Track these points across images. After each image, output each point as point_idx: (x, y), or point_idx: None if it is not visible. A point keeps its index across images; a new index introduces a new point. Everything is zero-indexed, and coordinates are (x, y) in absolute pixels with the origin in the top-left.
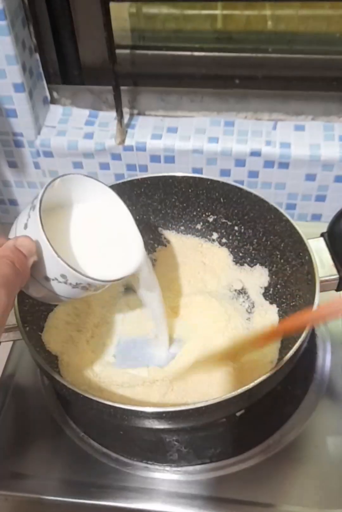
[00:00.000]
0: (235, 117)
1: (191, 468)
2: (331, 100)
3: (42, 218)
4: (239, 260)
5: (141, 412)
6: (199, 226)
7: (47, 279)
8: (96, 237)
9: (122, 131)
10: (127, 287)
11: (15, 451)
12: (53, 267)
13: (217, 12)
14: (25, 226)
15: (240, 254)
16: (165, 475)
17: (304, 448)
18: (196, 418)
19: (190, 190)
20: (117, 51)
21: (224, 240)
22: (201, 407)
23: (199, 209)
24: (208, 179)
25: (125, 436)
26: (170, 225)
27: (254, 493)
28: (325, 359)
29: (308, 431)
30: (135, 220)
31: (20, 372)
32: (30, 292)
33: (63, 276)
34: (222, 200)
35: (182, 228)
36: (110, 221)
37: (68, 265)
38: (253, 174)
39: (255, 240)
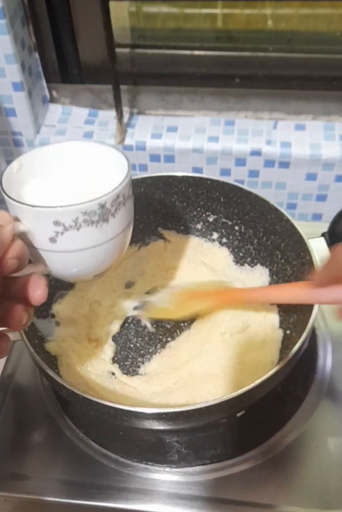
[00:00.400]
0: (235, 117)
1: (191, 469)
2: (331, 99)
3: (16, 195)
4: (239, 260)
5: (141, 413)
6: (199, 226)
7: (52, 240)
8: (81, 179)
9: (122, 130)
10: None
11: (15, 452)
12: (41, 223)
13: (217, 11)
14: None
15: (241, 254)
16: (165, 476)
17: (305, 448)
18: (196, 418)
19: (190, 190)
20: (117, 50)
21: (224, 240)
22: (201, 408)
23: (199, 209)
24: (208, 179)
25: (125, 437)
26: (170, 225)
27: (255, 494)
28: (326, 360)
29: (309, 431)
30: (135, 220)
31: (19, 372)
32: (51, 269)
33: (57, 223)
34: (222, 199)
35: (182, 227)
36: (89, 161)
37: (49, 206)
38: (253, 173)
39: (256, 240)
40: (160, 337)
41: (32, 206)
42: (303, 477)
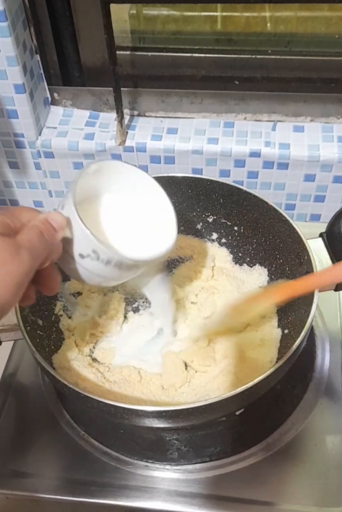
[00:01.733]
0: (234, 118)
1: (190, 466)
2: (330, 101)
3: (78, 202)
4: (238, 260)
5: (142, 411)
6: (199, 226)
7: (81, 256)
8: (130, 221)
9: (123, 132)
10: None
11: (16, 450)
12: (84, 242)
13: (217, 13)
14: (62, 207)
15: (240, 254)
16: (165, 474)
17: (303, 446)
18: (196, 417)
19: (189, 191)
20: (118, 52)
21: (223, 240)
22: (201, 406)
23: (198, 210)
24: (207, 180)
25: (125, 435)
26: None
27: (254, 491)
28: (324, 358)
29: (307, 429)
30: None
31: (21, 371)
32: (70, 271)
33: (94, 251)
34: (221, 200)
35: (182, 228)
36: (145, 205)
37: (98, 240)
38: (252, 174)
39: (255, 240)
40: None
41: (98, 241)
42: (301, 475)
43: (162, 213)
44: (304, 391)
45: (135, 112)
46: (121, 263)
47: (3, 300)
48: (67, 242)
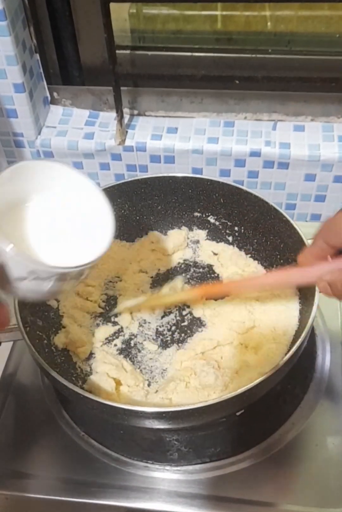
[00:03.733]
0: (234, 118)
1: (190, 467)
2: (330, 101)
3: (1, 217)
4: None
5: (142, 412)
6: (198, 227)
7: (20, 279)
8: (63, 224)
9: (123, 131)
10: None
11: (16, 451)
12: (18, 266)
13: (217, 13)
14: None
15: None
16: (165, 475)
17: (304, 447)
18: (196, 418)
19: (190, 191)
20: (118, 51)
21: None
22: (201, 407)
23: (199, 210)
24: (208, 180)
25: (125, 436)
26: (170, 226)
27: (254, 492)
28: (325, 359)
29: (308, 430)
30: (136, 220)
31: (20, 371)
32: (13, 294)
33: (32, 272)
34: (222, 200)
35: (182, 228)
36: (76, 205)
37: (32, 260)
38: (253, 174)
39: (255, 241)
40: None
41: (21, 256)
42: (302, 475)
43: (95, 208)
44: (304, 392)
45: (135, 112)
46: (63, 275)
47: None
48: (1, 269)
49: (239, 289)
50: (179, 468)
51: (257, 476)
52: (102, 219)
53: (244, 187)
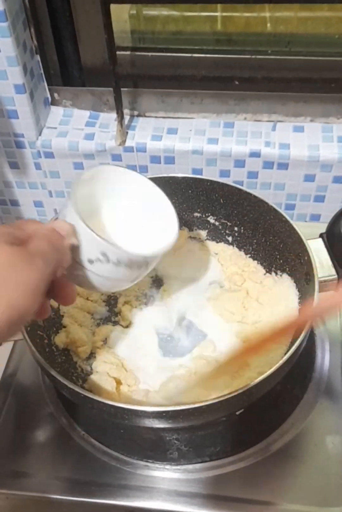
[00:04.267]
0: (234, 119)
1: (190, 466)
2: (330, 101)
3: (80, 209)
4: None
5: (142, 411)
6: (198, 227)
7: (90, 261)
8: (131, 222)
9: (123, 132)
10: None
11: (16, 450)
12: (92, 246)
13: (217, 14)
14: (64, 215)
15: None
16: (165, 474)
17: (303, 446)
18: (196, 417)
19: (189, 191)
20: (118, 52)
21: (224, 241)
22: (201, 406)
23: (198, 210)
24: (207, 180)
25: (125, 435)
26: None
27: (254, 491)
28: (324, 359)
29: (307, 429)
30: None
31: (21, 371)
32: (81, 280)
33: (103, 254)
34: (221, 201)
35: (181, 228)
36: (142, 204)
37: (105, 241)
38: (252, 174)
39: (255, 241)
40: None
41: (96, 234)
42: (301, 475)
43: (161, 209)
44: (303, 391)
45: (136, 112)
46: (131, 262)
47: (22, 307)
48: (74, 251)
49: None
50: (178, 467)
51: (256, 475)
52: (167, 217)
53: (243, 188)
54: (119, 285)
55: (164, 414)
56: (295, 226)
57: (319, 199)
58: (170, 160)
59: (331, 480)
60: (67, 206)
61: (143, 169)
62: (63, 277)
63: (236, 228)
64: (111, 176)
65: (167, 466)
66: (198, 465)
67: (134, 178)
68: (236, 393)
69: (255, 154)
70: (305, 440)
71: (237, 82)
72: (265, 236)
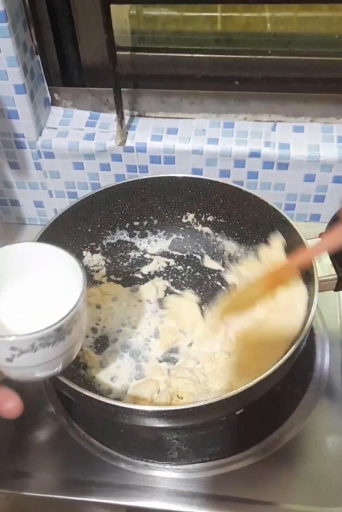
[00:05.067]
0: (234, 119)
1: (190, 466)
2: (330, 101)
3: None
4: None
5: (142, 410)
6: (199, 227)
7: (8, 360)
8: (36, 295)
9: (123, 132)
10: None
11: (16, 450)
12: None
13: (217, 14)
14: None
15: (239, 255)
16: (165, 473)
17: (303, 446)
18: (197, 416)
19: (189, 191)
20: (118, 52)
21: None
22: (202, 406)
23: (198, 210)
24: (207, 180)
25: (125, 435)
26: (170, 226)
27: (254, 491)
28: (324, 358)
29: (307, 429)
30: (137, 220)
31: None
32: (19, 380)
33: (13, 349)
34: (221, 201)
35: (181, 228)
36: (40, 273)
37: (10, 335)
38: (252, 174)
39: (254, 240)
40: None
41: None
42: (301, 475)
43: (62, 269)
44: (303, 391)
45: (136, 112)
46: (46, 339)
47: None
48: None
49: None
50: (178, 467)
51: (256, 475)
52: (73, 279)
53: (244, 188)
54: (57, 364)
55: (164, 413)
56: (295, 226)
57: (319, 199)
58: (170, 160)
59: (331, 480)
60: None
61: (143, 169)
62: None
63: (236, 228)
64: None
65: (168, 466)
66: (198, 465)
67: (17, 251)
68: (236, 393)
69: (255, 154)
70: (305, 440)
71: (237, 82)
72: (265, 236)
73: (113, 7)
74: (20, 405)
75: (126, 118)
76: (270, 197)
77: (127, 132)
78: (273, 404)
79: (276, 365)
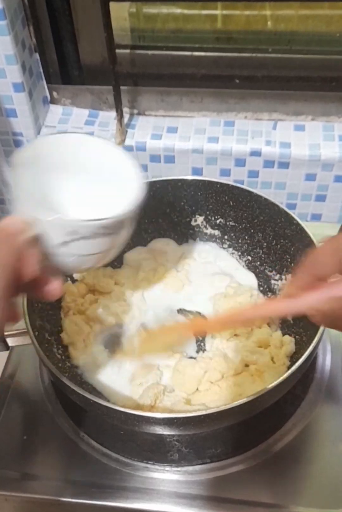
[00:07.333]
0: (234, 117)
1: (191, 468)
2: (330, 100)
3: (30, 194)
4: (248, 264)
5: (153, 418)
6: (208, 230)
7: (62, 244)
8: (92, 189)
9: (122, 131)
10: None
11: (15, 452)
12: (56, 230)
13: (217, 12)
14: (14, 209)
15: (250, 258)
16: (165, 475)
17: (304, 447)
18: (207, 424)
19: (199, 194)
20: (117, 51)
21: (233, 244)
22: (213, 413)
23: (207, 212)
24: (217, 182)
25: (125, 436)
26: (179, 228)
27: (254, 493)
28: (325, 359)
29: (308, 430)
30: (145, 223)
31: (20, 372)
32: (62, 267)
33: (72, 232)
34: (231, 203)
35: (191, 231)
36: (98, 166)
37: (71, 218)
38: (253, 174)
39: (265, 244)
40: None
41: (59, 215)
42: (302, 476)
43: (118, 164)
44: (305, 392)
45: (135, 111)
46: (103, 228)
47: None
48: (39, 241)
49: (226, 326)
50: (179, 468)
51: (257, 476)
52: (132, 176)
53: (254, 190)
54: (102, 257)
55: (175, 420)
56: (306, 229)
57: (320, 198)
58: (170, 159)
59: (333, 482)
60: (15, 199)
61: (143, 168)
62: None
63: (245, 231)
64: (54, 147)
65: (168, 468)
66: (198, 467)
67: (81, 141)
68: (248, 400)
69: (256, 153)
70: (307, 441)
71: (237, 81)
72: (276, 239)
73: (113, 5)
74: (61, 287)
75: (126, 117)
76: (271, 197)
77: (126, 131)
78: (274, 405)
79: (293, 368)
